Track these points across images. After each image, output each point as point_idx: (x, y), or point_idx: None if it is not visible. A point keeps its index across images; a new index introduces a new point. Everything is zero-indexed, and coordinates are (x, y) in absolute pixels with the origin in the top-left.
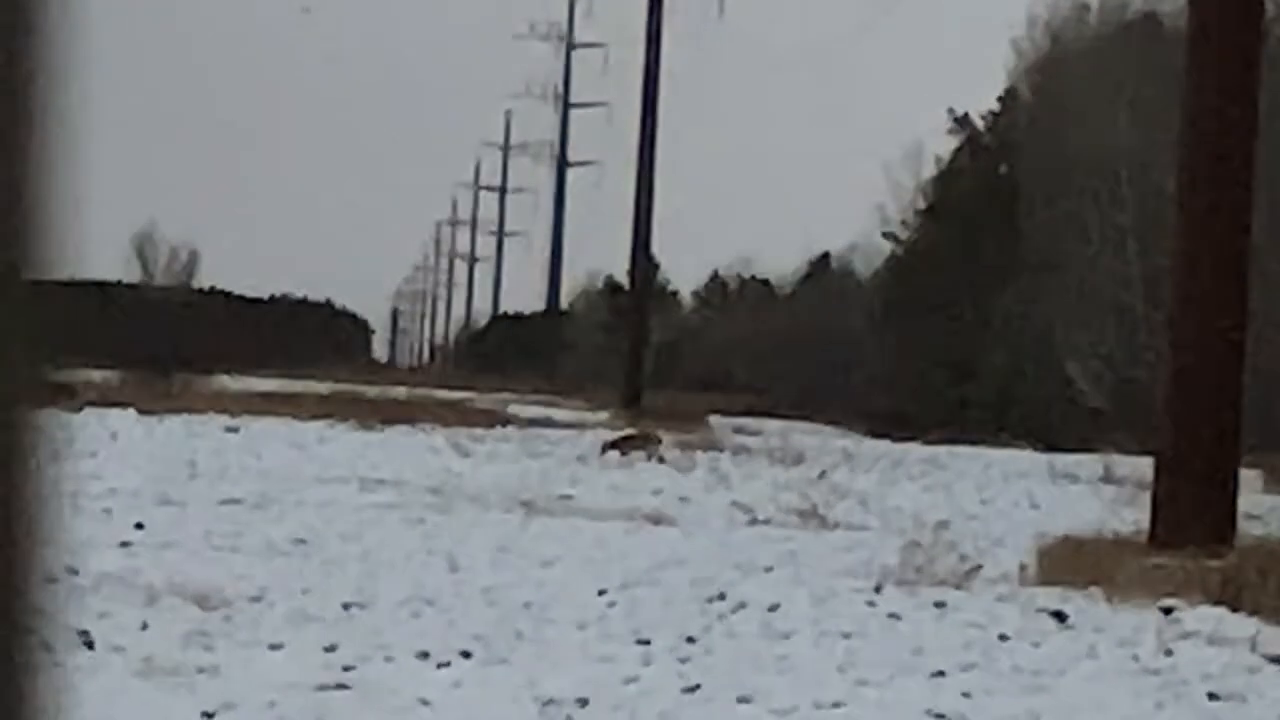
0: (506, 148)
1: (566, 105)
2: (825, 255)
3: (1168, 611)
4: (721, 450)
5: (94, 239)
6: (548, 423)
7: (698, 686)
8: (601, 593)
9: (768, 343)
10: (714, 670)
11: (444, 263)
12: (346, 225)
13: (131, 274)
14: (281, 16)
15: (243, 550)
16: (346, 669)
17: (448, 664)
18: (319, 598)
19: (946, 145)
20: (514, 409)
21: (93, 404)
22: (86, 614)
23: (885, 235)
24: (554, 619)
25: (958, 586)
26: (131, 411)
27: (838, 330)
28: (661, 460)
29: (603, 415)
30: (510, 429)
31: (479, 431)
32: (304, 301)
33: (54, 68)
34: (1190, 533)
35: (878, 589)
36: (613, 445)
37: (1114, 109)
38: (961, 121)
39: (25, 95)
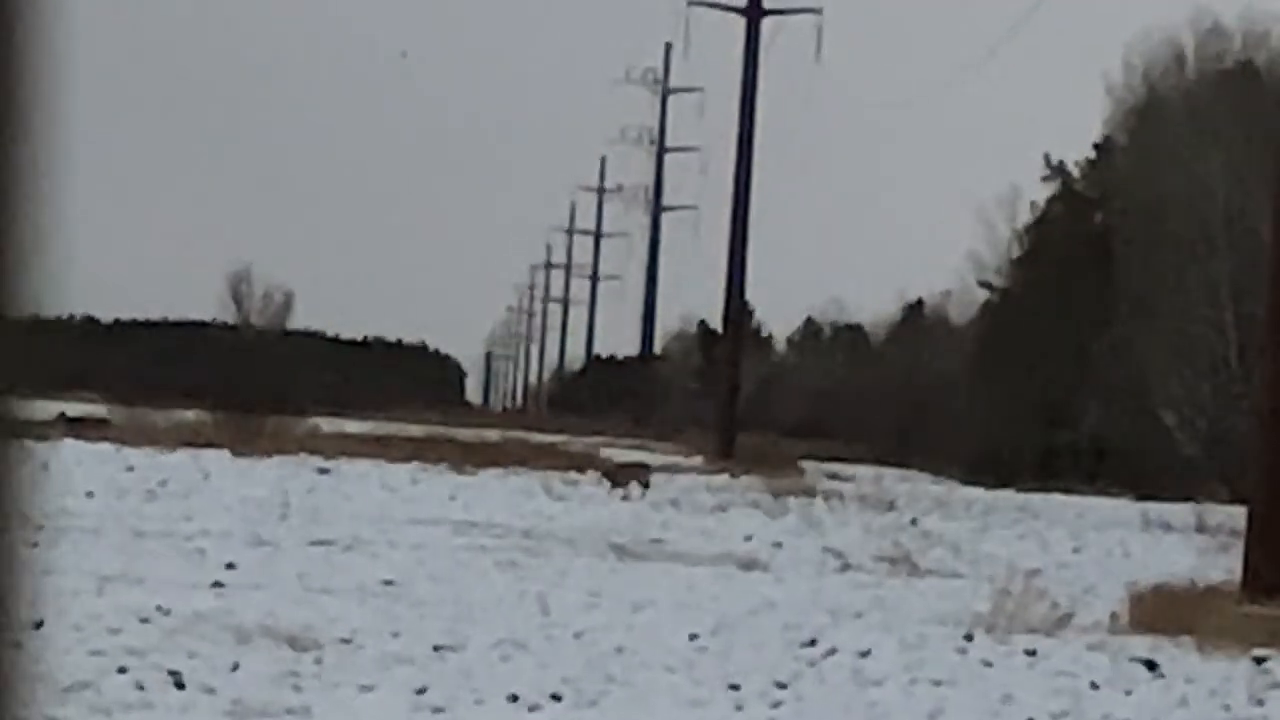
0: (602, 192)
1: (662, 150)
2: (919, 301)
3: (1259, 661)
4: (813, 495)
5: (190, 280)
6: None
7: None
8: (693, 637)
9: (861, 388)
10: (805, 716)
11: (538, 306)
12: (441, 268)
13: (226, 315)
14: (378, 61)
15: (334, 592)
16: (436, 711)
17: (538, 707)
18: (410, 640)
19: (1041, 193)
20: (607, 453)
21: (187, 444)
22: (178, 654)
23: (980, 283)
24: (645, 663)
25: (1049, 634)
26: (225, 452)
27: (931, 376)
28: (647, 486)
29: (696, 459)
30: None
31: (572, 475)
32: (398, 344)
33: (22, 125)
34: None
35: (969, 636)
36: (606, 475)
37: (1209, 157)
38: (1057, 169)
39: None
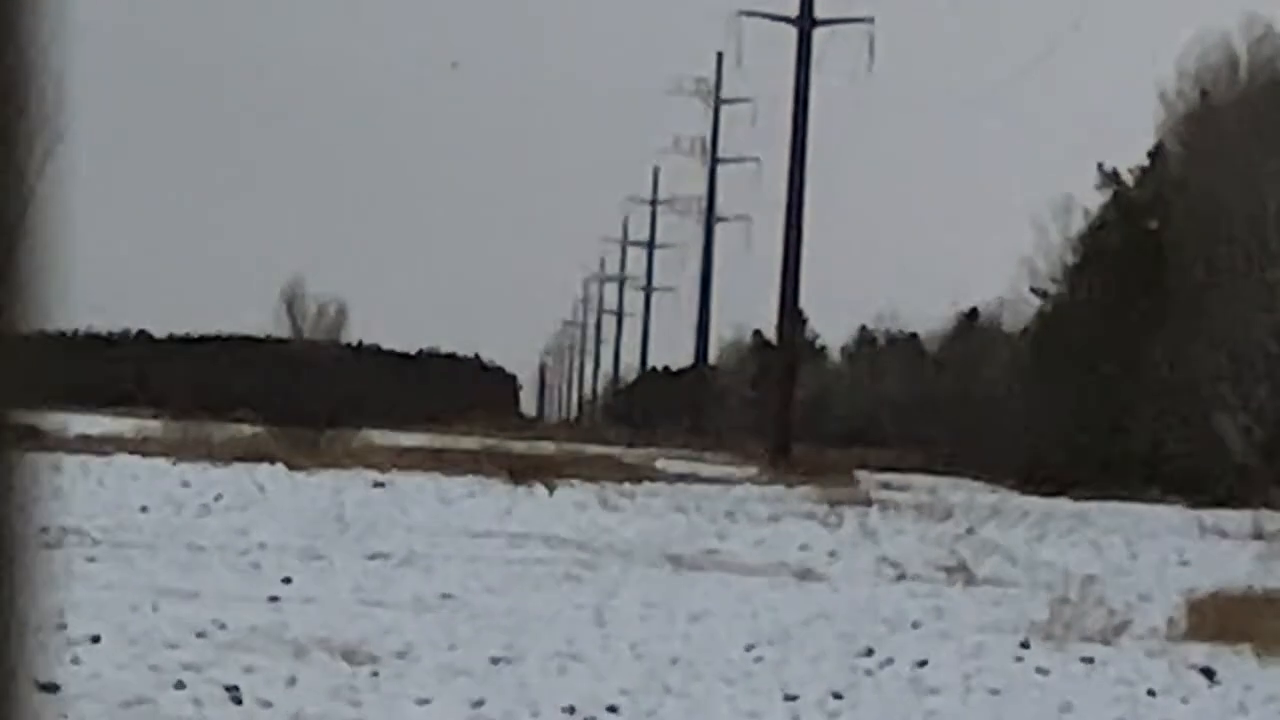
0: (655, 203)
1: (715, 160)
2: (973, 310)
3: None
4: (869, 505)
5: (243, 294)
6: (695, 477)
7: None
8: (749, 648)
9: (915, 397)
10: None
11: (592, 318)
12: (495, 280)
13: (281, 328)
14: (430, 72)
15: (390, 605)
16: None
17: (595, 719)
18: (466, 652)
19: (1095, 200)
20: (662, 463)
21: (240, 458)
22: (234, 668)
23: (1034, 290)
24: (701, 674)
25: (1106, 642)
26: (280, 466)
27: (986, 385)
28: (552, 491)
29: (751, 470)
30: (658, 483)
31: (627, 486)
32: (452, 356)
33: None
34: None
35: (1025, 644)
36: (510, 472)
37: (1264, 163)
38: (1110, 176)
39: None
